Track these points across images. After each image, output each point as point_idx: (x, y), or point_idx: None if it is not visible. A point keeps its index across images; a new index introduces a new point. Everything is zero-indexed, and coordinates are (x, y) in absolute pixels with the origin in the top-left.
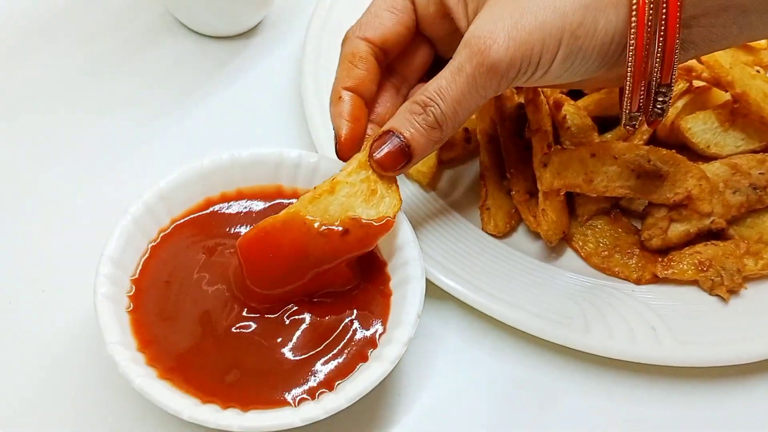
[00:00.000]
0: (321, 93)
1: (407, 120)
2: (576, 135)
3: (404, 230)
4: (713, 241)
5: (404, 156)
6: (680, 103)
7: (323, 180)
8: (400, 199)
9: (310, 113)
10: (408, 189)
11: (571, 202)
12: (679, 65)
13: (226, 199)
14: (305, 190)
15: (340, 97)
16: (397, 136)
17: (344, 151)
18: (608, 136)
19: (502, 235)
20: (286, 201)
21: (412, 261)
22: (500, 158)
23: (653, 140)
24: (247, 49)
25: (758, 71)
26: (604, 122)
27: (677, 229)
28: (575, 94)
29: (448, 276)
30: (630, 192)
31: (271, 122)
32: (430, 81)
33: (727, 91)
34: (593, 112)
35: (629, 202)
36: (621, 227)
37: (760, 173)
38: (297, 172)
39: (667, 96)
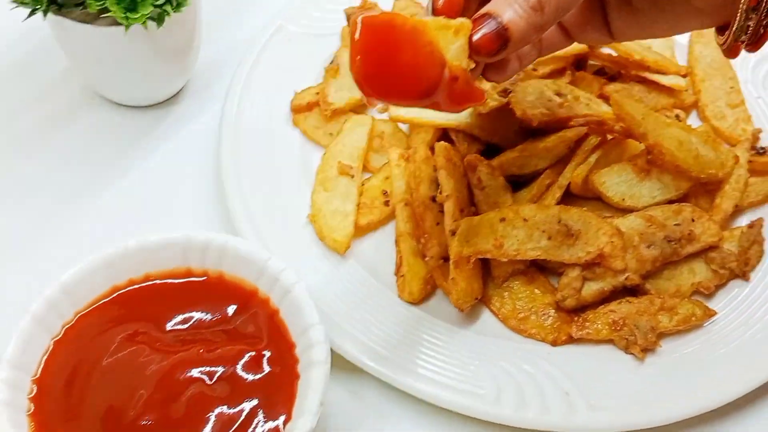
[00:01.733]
0: (239, 169)
1: (506, 2)
2: (491, 196)
3: (310, 311)
4: (628, 298)
5: (501, 40)
6: (593, 158)
7: (233, 260)
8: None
9: (228, 190)
10: (326, 260)
11: (488, 262)
12: (591, 118)
13: (133, 284)
14: (216, 271)
15: None
16: (495, 19)
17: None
18: (523, 194)
19: (418, 302)
20: (197, 279)
21: (317, 344)
22: (415, 222)
23: (568, 195)
24: (167, 118)
25: (677, 115)
26: (518, 180)
27: (591, 288)
28: (490, 153)
29: (360, 350)
30: (542, 254)
31: (189, 196)
32: None
33: (641, 142)
34: (508, 170)
35: (545, 261)
36: (538, 287)
37: (675, 224)
38: (205, 255)
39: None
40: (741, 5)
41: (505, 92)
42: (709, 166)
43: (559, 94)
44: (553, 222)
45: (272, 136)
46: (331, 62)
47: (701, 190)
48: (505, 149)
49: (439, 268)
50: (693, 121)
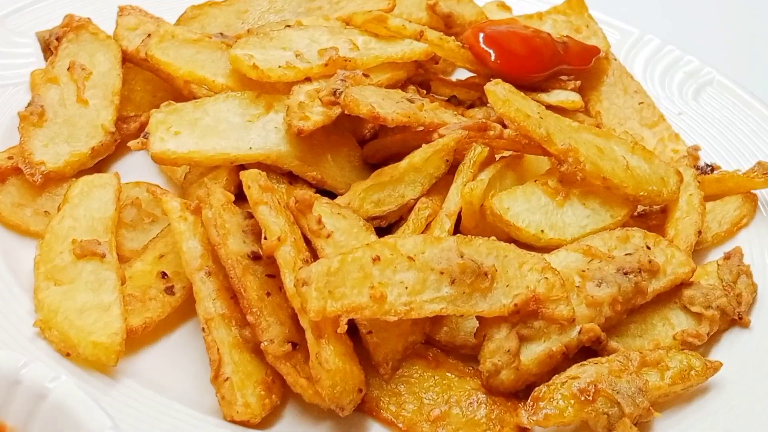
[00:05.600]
0: None
1: None
2: (344, 243)
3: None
4: (592, 359)
5: None
6: (485, 175)
7: None
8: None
9: None
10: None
11: (360, 351)
12: (470, 123)
13: None
14: None
15: None
16: None
17: None
18: (399, 232)
19: (259, 419)
20: None
21: None
22: (232, 298)
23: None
24: None
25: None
26: (377, 227)
27: (534, 352)
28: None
29: None
30: (447, 307)
31: None
32: None
33: (545, 155)
34: (359, 211)
35: (451, 334)
36: (449, 370)
37: (627, 254)
38: None
39: None
40: None
41: (334, 94)
42: (647, 182)
43: (410, 101)
44: (452, 258)
45: None
46: (30, 104)
47: (639, 224)
48: (340, 192)
49: (286, 359)
50: None
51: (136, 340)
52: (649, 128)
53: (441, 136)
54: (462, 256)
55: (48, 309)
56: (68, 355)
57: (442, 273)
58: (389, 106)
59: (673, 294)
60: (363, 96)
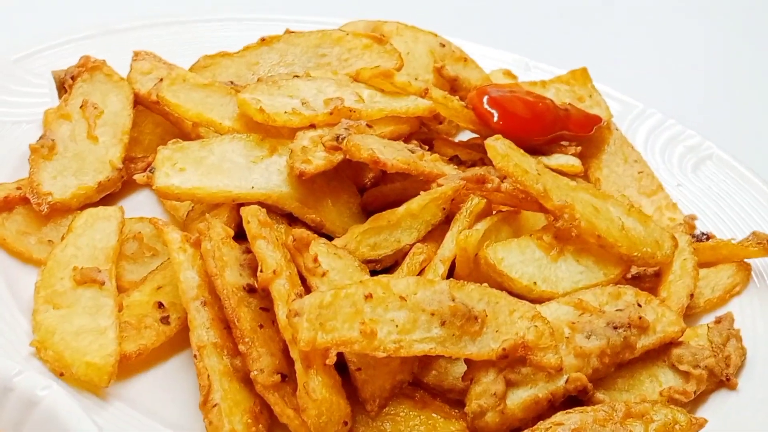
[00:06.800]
0: None
1: None
2: (339, 282)
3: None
4: (578, 408)
5: None
6: (482, 225)
7: None
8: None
9: None
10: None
11: (348, 387)
12: (469, 175)
13: None
14: None
15: None
16: None
17: None
18: (393, 275)
19: None
20: None
21: None
22: (225, 328)
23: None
24: None
25: None
26: (372, 269)
27: (520, 397)
28: (327, 239)
29: None
30: (436, 347)
31: None
32: None
33: (542, 211)
34: (354, 253)
35: (439, 377)
36: (435, 411)
37: (617, 309)
38: None
39: None
40: None
41: (337, 140)
42: (642, 244)
43: (411, 151)
44: (444, 301)
45: None
46: (42, 138)
47: (634, 286)
48: (338, 236)
49: (274, 389)
50: None
51: (129, 366)
52: (648, 197)
53: (440, 185)
54: (453, 300)
55: (45, 330)
56: (62, 375)
57: (432, 314)
58: (390, 153)
59: (662, 352)
60: (365, 142)
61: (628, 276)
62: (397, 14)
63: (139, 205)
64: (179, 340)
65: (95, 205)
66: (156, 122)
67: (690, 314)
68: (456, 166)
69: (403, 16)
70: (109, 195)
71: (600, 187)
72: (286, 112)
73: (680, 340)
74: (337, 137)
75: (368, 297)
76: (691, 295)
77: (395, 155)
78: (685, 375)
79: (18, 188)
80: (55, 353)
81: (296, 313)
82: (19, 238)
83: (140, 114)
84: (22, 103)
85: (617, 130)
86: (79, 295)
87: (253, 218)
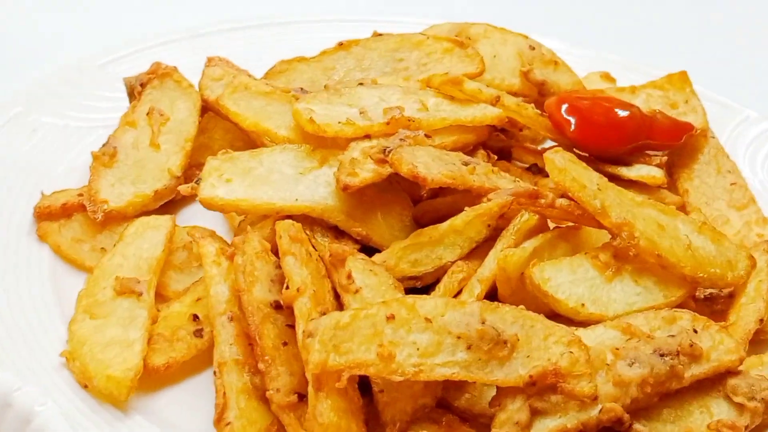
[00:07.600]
0: None
1: None
2: (371, 299)
3: None
4: None
5: None
6: (530, 244)
7: None
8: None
9: None
10: (93, 418)
11: (372, 407)
12: (520, 190)
13: None
14: None
15: None
16: None
17: None
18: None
19: None
20: None
21: None
22: (246, 344)
23: (491, 299)
24: None
25: None
26: (412, 287)
27: (546, 426)
28: (369, 251)
29: None
30: (460, 372)
31: None
32: None
33: (599, 227)
34: (394, 270)
35: (471, 401)
36: None
37: (670, 335)
38: None
39: None
40: None
41: (384, 153)
42: (710, 264)
43: (465, 163)
44: (472, 324)
45: (7, 253)
46: (104, 145)
47: (703, 307)
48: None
49: (290, 409)
50: None
51: (157, 378)
52: (737, 210)
53: (489, 200)
54: (483, 322)
55: (77, 340)
56: (86, 386)
57: (459, 337)
58: (437, 167)
59: (717, 382)
60: (413, 156)
61: (701, 297)
62: (501, 16)
63: (202, 212)
64: (211, 354)
65: (155, 213)
66: (226, 128)
67: (761, 339)
68: (532, 177)
69: (503, 18)
70: (172, 203)
71: (688, 199)
72: (339, 123)
73: (740, 369)
74: (385, 150)
75: (390, 318)
76: (761, 320)
77: (442, 169)
78: (740, 407)
79: (80, 195)
80: (81, 364)
81: (310, 333)
82: (73, 246)
83: (211, 120)
84: (102, 108)
85: (713, 138)
86: (116, 306)
87: (285, 233)
